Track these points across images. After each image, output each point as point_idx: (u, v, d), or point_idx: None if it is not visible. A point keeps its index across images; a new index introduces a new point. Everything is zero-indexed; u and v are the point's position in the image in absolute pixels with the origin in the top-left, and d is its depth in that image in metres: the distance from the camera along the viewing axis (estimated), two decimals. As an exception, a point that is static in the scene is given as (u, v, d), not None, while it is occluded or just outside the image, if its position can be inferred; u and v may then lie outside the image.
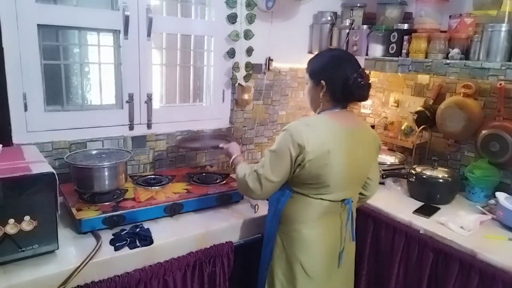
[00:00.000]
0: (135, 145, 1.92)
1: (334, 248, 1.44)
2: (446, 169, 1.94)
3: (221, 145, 1.70)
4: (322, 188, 1.34)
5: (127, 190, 1.67)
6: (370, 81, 1.39)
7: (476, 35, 1.76)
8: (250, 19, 2.13)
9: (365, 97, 1.41)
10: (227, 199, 1.74)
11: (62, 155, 1.66)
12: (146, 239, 1.39)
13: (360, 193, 1.54)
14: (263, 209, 1.68)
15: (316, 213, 1.37)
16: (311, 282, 1.39)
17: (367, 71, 1.40)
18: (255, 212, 1.70)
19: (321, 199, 1.36)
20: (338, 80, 1.35)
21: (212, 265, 1.53)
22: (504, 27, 1.65)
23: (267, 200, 1.50)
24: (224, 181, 1.86)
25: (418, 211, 1.76)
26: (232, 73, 2.17)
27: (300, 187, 1.37)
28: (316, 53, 2.42)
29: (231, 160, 1.56)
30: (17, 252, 1.20)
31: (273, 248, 1.43)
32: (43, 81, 1.67)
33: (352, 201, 1.43)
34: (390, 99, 2.44)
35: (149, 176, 1.85)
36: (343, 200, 1.40)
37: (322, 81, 1.37)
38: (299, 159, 1.29)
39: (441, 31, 1.95)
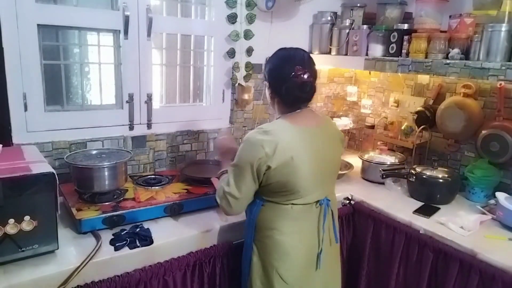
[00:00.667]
0: (135, 145, 1.92)
1: (312, 251, 1.38)
2: (446, 169, 1.94)
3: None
4: (291, 195, 1.30)
5: (127, 190, 1.67)
6: (309, 80, 1.29)
7: (476, 35, 1.76)
8: (250, 19, 2.13)
9: (307, 99, 1.34)
10: (227, 199, 1.74)
11: (62, 155, 1.66)
12: (146, 239, 1.39)
13: None
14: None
15: (289, 219, 1.33)
16: None
17: (306, 69, 1.29)
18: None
19: (292, 204, 1.32)
20: (279, 82, 1.31)
21: (212, 265, 1.53)
22: (504, 27, 1.65)
23: None
24: (224, 181, 1.86)
25: (418, 211, 1.76)
26: (232, 73, 2.17)
27: (270, 196, 1.33)
28: (316, 53, 2.45)
29: (220, 172, 1.51)
30: (17, 252, 1.20)
31: (250, 257, 1.39)
32: (43, 81, 1.67)
33: (328, 200, 1.38)
34: (390, 99, 2.44)
35: (149, 176, 1.85)
36: (317, 201, 1.36)
37: (268, 83, 1.37)
38: (262, 169, 1.25)
39: (441, 31, 1.95)
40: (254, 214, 1.37)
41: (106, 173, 1.55)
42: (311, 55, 1.39)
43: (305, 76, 1.28)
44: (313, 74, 1.33)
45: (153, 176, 1.86)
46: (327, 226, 1.40)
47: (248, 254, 1.41)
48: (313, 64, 1.36)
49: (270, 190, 1.31)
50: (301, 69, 1.28)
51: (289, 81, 1.28)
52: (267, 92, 1.41)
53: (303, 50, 1.38)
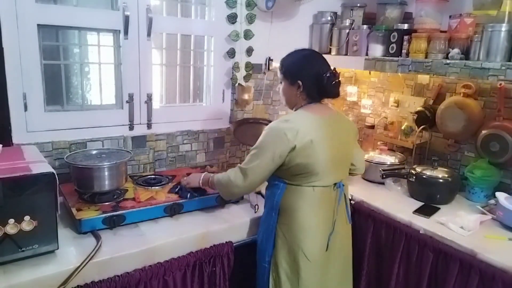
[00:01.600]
0: (135, 145, 1.92)
1: (327, 232, 1.50)
2: (446, 169, 1.94)
3: (182, 181, 1.71)
4: (312, 176, 1.42)
5: (127, 190, 1.67)
6: (340, 79, 1.49)
7: (476, 35, 1.76)
8: (250, 19, 2.13)
9: (337, 94, 1.51)
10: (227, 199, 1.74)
11: (62, 155, 1.66)
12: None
13: (350, 168, 1.65)
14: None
15: (311, 201, 1.45)
16: (312, 266, 1.46)
17: (338, 74, 1.49)
18: (255, 212, 1.70)
19: (313, 186, 1.44)
20: (313, 79, 1.45)
21: (212, 265, 1.53)
22: (504, 27, 1.65)
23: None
24: (224, 181, 1.86)
25: (418, 211, 1.76)
26: (232, 73, 2.17)
27: (292, 179, 1.45)
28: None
29: (201, 179, 1.62)
30: (17, 252, 1.20)
31: (274, 240, 1.48)
32: (43, 81, 1.67)
33: (343, 185, 1.51)
34: (390, 99, 2.44)
35: (149, 176, 1.86)
36: (334, 184, 1.49)
37: (299, 81, 1.47)
38: (285, 152, 1.38)
39: (441, 31, 1.95)
40: (278, 197, 1.48)
41: (106, 173, 1.55)
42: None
43: (338, 77, 1.48)
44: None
45: (153, 176, 1.86)
46: (341, 209, 1.52)
47: (269, 235, 1.49)
48: None
49: (292, 173, 1.43)
50: (335, 70, 1.47)
51: (324, 79, 1.44)
52: (286, 89, 1.52)
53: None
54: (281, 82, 1.55)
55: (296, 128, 1.39)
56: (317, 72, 1.44)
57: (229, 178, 1.47)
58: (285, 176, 1.46)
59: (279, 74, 1.55)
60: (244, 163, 1.46)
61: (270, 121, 1.91)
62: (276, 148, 1.38)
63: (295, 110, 1.53)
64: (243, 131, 1.90)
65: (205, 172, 1.66)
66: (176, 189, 1.70)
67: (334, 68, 1.47)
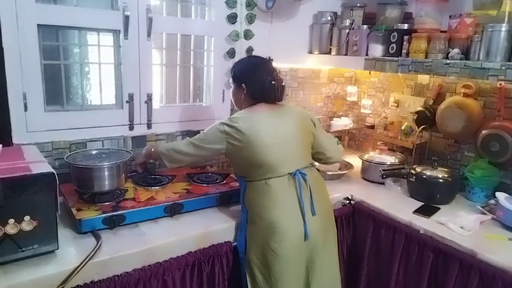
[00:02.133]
0: (135, 145, 1.92)
1: (298, 223, 1.50)
2: (446, 169, 1.94)
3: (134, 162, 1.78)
4: (259, 169, 1.49)
5: (127, 190, 1.67)
6: (282, 85, 1.59)
7: (476, 35, 1.76)
8: (250, 19, 2.13)
9: (278, 98, 1.60)
10: (227, 199, 1.74)
11: (62, 155, 1.66)
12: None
13: (321, 158, 1.71)
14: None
15: (267, 194, 1.49)
16: (283, 260, 1.47)
17: (280, 76, 1.60)
18: None
19: (265, 179, 1.50)
20: (255, 83, 1.57)
21: (211, 265, 1.53)
22: (504, 27, 1.65)
23: None
24: (224, 181, 1.86)
25: (418, 211, 1.76)
26: (232, 73, 2.17)
27: (248, 175, 1.54)
28: (316, 53, 2.45)
29: (143, 153, 1.75)
30: (17, 252, 1.20)
31: (245, 237, 1.54)
32: (43, 81, 1.67)
33: (303, 174, 1.53)
34: (390, 99, 2.44)
35: (149, 176, 1.85)
36: (289, 174, 1.51)
37: (243, 84, 1.58)
38: (221, 150, 1.53)
39: (441, 31, 1.95)
40: (242, 195, 1.57)
41: (106, 173, 1.55)
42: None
43: (281, 81, 1.59)
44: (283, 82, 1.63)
45: (153, 176, 1.86)
46: (306, 197, 1.52)
47: (242, 233, 1.55)
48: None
49: (245, 169, 1.54)
50: (277, 75, 1.58)
51: (265, 83, 1.55)
52: (234, 90, 1.65)
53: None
54: (231, 85, 1.68)
55: (238, 124, 1.49)
56: (259, 77, 1.56)
57: (180, 148, 1.59)
58: (242, 172, 1.56)
59: (230, 78, 1.68)
60: (195, 140, 1.58)
61: None
62: (215, 144, 1.52)
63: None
64: None
65: (147, 146, 1.78)
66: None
67: (276, 73, 1.58)
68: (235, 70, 1.65)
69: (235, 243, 1.59)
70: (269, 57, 2.25)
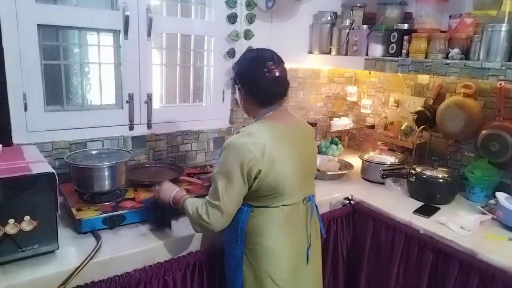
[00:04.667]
0: (135, 145, 1.92)
1: (301, 249, 1.39)
2: (446, 169, 1.94)
3: (153, 190, 1.51)
4: (281, 196, 1.29)
5: (127, 190, 1.67)
6: (282, 74, 1.31)
7: (476, 35, 1.76)
8: (250, 19, 2.13)
9: (282, 94, 1.35)
10: (227, 199, 1.74)
11: (62, 155, 1.66)
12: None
13: None
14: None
15: (279, 221, 1.32)
16: None
17: (279, 65, 1.31)
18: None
19: (282, 205, 1.31)
20: (252, 82, 1.32)
21: (212, 265, 1.53)
22: (504, 27, 1.65)
23: None
24: (224, 181, 1.86)
25: (418, 211, 1.76)
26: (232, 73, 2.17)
27: (259, 201, 1.30)
28: (316, 53, 2.45)
29: (171, 198, 1.40)
30: (17, 252, 1.20)
31: (241, 268, 1.33)
32: (43, 81, 1.67)
33: (313, 196, 1.42)
34: (390, 99, 2.44)
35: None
36: (304, 199, 1.38)
37: (239, 86, 1.37)
38: (253, 173, 1.23)
39: (441, 31, 1.95)
40: (243, 223, 1.32)
41: (106, 173, 1.55)
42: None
43: (278, 71, 1.30)
44: (285, 70, 1.34)
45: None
46: (314, 222, 1.44)
47: (237, 265, 1.34)
48: (282, 61, 1.35)
49: (259, 195, 1.28)
50: (272, 64, 1.29)
51: (263, 79, 1.29)
52: (238, 96, 1.40)
53: (270, 50, 1.36)
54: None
55: (262, 143, 1.23)
56: (253, 73, 1.31)
57: (203, 219, 1.26)
58: (251, 198, 1.30)
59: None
60: (213, 197, 1.26)
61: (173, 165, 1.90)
62: (243, 168, 1.22)
63: (255, 121, 1.38)
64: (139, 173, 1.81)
65: (178, 189, 1.44)
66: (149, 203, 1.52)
67: (271, 63, 1.29)
68: (233, 71, 1.42)
69: (227, 273, 1.41)
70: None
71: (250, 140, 1.24)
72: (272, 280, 1.31)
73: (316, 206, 1.45)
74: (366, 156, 2.21)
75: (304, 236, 1.40)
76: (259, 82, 1.30)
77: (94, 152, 1.68)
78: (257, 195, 1.29)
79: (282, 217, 1.32)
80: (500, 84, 1.80)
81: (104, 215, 1.44)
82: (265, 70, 1.28)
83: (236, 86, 1.40)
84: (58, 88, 1.78)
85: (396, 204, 1.85)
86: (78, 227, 1.41)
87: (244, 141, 1.24)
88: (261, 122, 1.34)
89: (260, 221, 1.31)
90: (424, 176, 1.88)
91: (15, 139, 1.60)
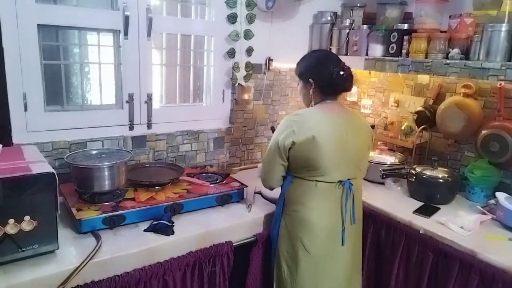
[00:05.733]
0: (135, 145, 1.92)
1: (336, 228, 1.53)
2: (446, 169, 1.94)
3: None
4: (314, 171, 1.47)
5: (127, 190, 1.67)
6: (351, 73, 1.57)
7: (476, 35, 1.76)
8: (250, 19, 2.13)
9: (349, 88, 1.60)
10: (227, 199, 1.74)
11: (62, 155, 1.66)
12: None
13: None
14: (257, 210, 1.73)
15: (313, 195, 1.50)
16: (312, 258, 1.51)
17: (347, 65, 1.57)
18: (249, 212, 1.71)
19: (316, 181, 1.49)
20: (323, 76, 1.54)
21: (211, 265, 1.53)
22: (504, 27, 1.65)
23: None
24: (224, 181, 1.86)
25: (418, 211, 1.76)
26: (232, 73, 2.17)
27: (298, 172, 1.52)
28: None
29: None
30: (17, 252, 1.20)
31: (279, 228, 1.57)
32: (43, 81, 1.67)
33: (350, 184, 1.53)
34: (390, 99, 2.44)
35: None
36: (340, 182, 1.50)
37: (310, 80, 1.57)
38: (287, 144, 1.46)
39: (441, 31, 1.95)
40: (285, 189, 1.57)
41: (106, 173, 1.55)
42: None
43: (350, 70, 1.56)
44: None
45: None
46: (349, 207, 1.54)
47: (276, 224, 1.59)
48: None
49: (297, 166, 1.51)
50: (344, 64, 1.56)
51: (334, 74, 1.52)
52: (302, 88, 1.63)
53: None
54: (298, 83, 1.67)
55: (302, 121, 1.47)
56: (326, 70, 1.53)
57: (260, 176, 1.64)
58: (292, 168, 1.53)
59: (295, 76, 1.67)
60: (263, 162, 1.63)
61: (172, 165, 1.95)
62: (282, 138, 1.48)
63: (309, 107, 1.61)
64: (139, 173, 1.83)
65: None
66: (156, 224, 1.50)
67: (343, 63, 1.56)
68: (300, 67, 1.64)
69: (271, 229, 1.64)
70: (269, 57, 2.26)
71: (294, 118, 1.50)
72: (302, 245, 1.51)
73: (354, 194, 1.54)
74: (366, 156, 2.21)
75: (339, 218, 1.53)
76: (332, 77, 1.52)
77: (94, 152, 1.68)
78: (295, 166, 1.51)
79: (316, 192, 1.50)
80: (500, 84, 1.80)
81: (104, 215, 1.44)
82: (339, 68, 1.53)
83: (301, 79, 1.62)
84: (58, 88, 1.78)
85: (396, 204, 1.85)
86: (78, 227, 1.41)
87: (288, 118, 1.53)
88: (311, 108, 1.58)
89: (298, 191, 1.53)
90: (424, 176, 1.88)
91: (15, 139, 1.60)
